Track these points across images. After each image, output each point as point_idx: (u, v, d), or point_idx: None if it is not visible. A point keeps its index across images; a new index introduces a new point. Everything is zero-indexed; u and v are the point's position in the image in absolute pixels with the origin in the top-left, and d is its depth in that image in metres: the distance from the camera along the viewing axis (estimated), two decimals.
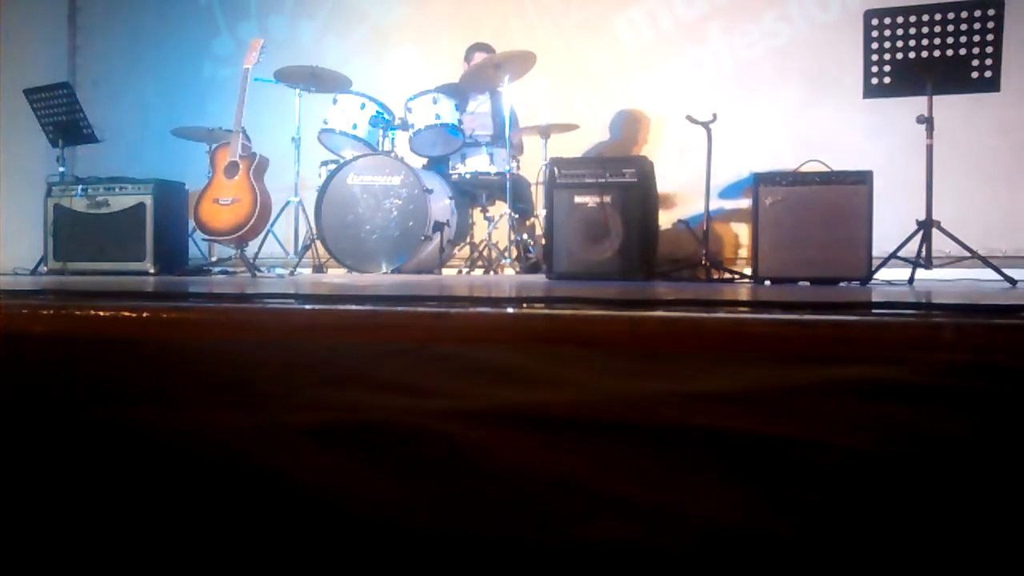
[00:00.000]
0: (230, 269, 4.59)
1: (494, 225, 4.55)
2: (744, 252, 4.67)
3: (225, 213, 4.18)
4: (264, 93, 4.56)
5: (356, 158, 4.33)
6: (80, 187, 4.36)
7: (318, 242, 4.39)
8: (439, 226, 4.23)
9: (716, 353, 1.07)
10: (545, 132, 4.46)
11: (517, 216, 4.44)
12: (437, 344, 1.15)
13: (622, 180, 3.37)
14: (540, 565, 0.97)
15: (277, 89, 4.54)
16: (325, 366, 1.15)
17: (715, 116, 3.98)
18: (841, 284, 3.21)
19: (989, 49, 3.11)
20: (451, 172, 4.52)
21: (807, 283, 3.27)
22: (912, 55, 3.20)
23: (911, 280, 3.19)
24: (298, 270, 4.43)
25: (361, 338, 1.18)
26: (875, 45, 3.24)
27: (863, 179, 3.25)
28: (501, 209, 4.52)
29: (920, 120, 3.25)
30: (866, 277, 3.20)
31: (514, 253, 4.39)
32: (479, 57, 4.74)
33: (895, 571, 0.93)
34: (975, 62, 3.14)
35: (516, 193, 4.47)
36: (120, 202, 4.30)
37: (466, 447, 1.05)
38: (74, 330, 1.25)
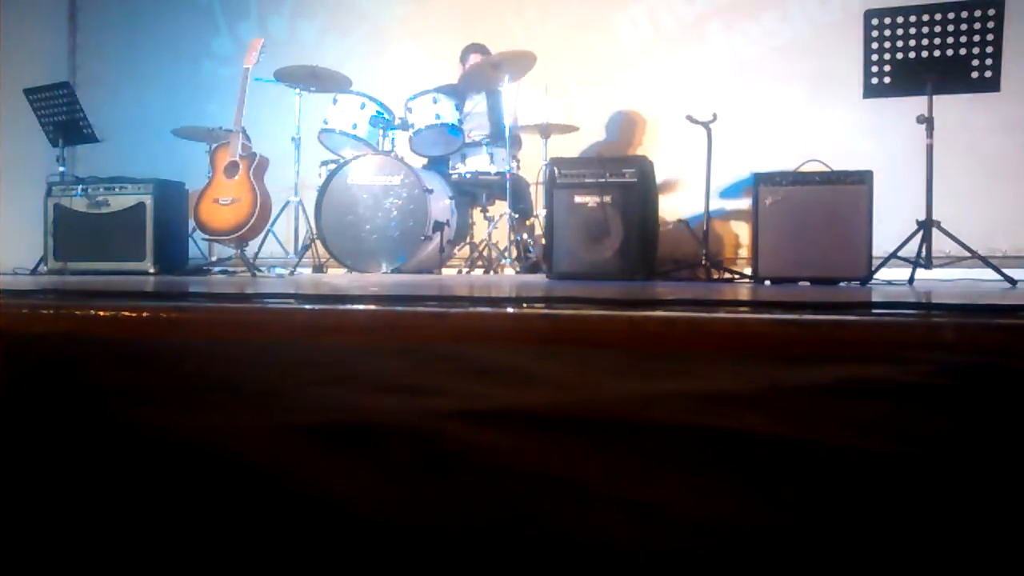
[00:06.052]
0: (230, 269, 4.60)
1: (494, 225, 4.55)
2: (744, 252, 4.66)
3: (225, 213, 4.18)
4: (264, 93, 4.56)
5: (356, 158, 4.33)
6: (80, 187, 4.36)
7: (318, 242, 4.39)
8: (439, 226, 4.23)
9: (716, 353, 1.07)
10: (545, 132, 4.45)
11: (517, 216, 4.44)
12: (437, 344, 1.15)
13: (622, 180, 3.37)
14: (540, 563, 0.97)
15: (277, 89, 4.54)
16: (325, 366, 1.15)
17: (715, 116, 3.98)
18: (841, 284, 3.21)
19: (989, 49, 3.11)
20: (451, 172, 4.52)
21: (807, 283, 3.27)
22: (912, 55, 3.20)
23: (911, 280, 3.19)
24: (298, 270, 4.43)
25: (361, 338, 1.18)
26: (875, 45, 3.24)
27: (863, 179, 3.25)
28: (501, 209, 4.52)
29: (920, 120, 3.25)
30: (866, 277, 3.20)
31: (514, 253, 4.39)
32: (475, 58, 4.74)
33: (894, 570, 0.93)
34: (975, 62, 3.14)
35: (516, 193, 4.47)
36: (120, 202, 4.29)
37: (466, 446, 1.05)
38: (74, 330, 1.25)
